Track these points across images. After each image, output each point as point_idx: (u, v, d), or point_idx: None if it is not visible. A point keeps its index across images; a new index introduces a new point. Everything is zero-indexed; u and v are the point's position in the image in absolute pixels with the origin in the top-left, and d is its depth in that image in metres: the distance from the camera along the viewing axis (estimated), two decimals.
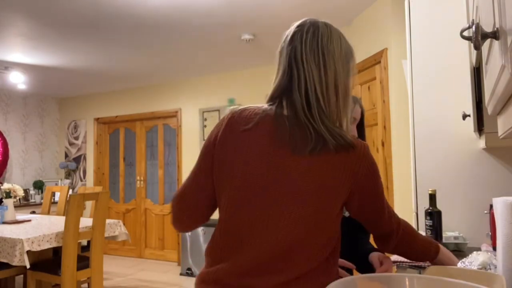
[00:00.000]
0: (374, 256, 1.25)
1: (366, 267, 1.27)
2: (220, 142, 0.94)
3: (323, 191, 0.87)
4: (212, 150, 0.96)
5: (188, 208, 1.00)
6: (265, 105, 0.96)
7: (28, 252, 2.91)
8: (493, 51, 0.73)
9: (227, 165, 0.93)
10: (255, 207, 0.89)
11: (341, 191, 0.89)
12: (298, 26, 0.95)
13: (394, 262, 1.54)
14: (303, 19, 0.96)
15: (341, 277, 1.00)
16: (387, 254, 1.28)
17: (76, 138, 6.28)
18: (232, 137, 0.93)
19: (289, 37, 0.95)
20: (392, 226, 1.03)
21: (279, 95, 0.94)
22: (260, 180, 0.89)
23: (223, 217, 0.94)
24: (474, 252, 1.32)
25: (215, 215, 0.99)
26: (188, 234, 4.67)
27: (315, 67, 0.90)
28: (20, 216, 3.95)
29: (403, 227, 1.07)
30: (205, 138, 5.09)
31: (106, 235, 3.41)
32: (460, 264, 1.25)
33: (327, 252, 0.92)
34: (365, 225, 1.04)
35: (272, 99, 0.96)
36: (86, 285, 4.08)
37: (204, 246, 4.58)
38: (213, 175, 0.96)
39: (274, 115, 0.92)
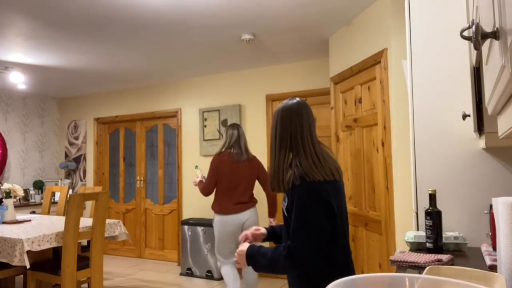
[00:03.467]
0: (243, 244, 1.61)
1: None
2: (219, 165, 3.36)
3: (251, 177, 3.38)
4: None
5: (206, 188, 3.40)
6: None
7: (28, 252, 2.91)
8: (493, 51, 0.73)
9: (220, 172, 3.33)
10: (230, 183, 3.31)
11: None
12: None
13: (394, 262, 1.54)
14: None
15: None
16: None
17: (76, 138, 6.28)
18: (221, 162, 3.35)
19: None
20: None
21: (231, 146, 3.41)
22: (231, 174, 3.31)
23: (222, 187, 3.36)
24: None
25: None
26: (188, 234, 4.68)
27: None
28: (20, 216, 3.96)
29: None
30: (205, 139, 5.10)
31: (106, 235, 3.41)
32: None
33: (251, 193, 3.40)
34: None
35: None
36: (86, 285, 4.08)
37: (204, 246, 4.59)
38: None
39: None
